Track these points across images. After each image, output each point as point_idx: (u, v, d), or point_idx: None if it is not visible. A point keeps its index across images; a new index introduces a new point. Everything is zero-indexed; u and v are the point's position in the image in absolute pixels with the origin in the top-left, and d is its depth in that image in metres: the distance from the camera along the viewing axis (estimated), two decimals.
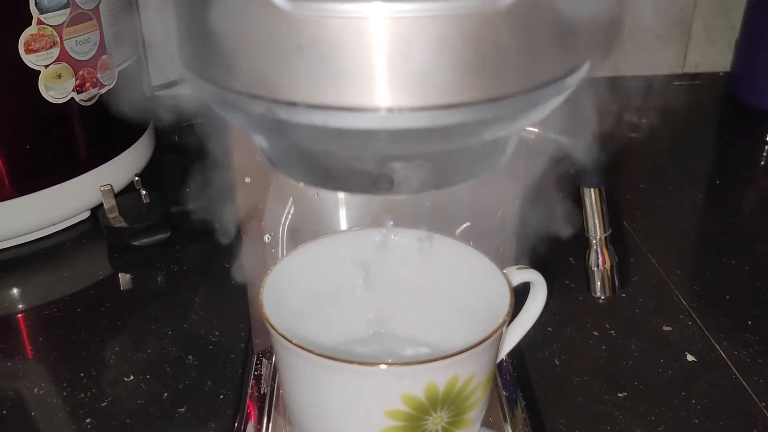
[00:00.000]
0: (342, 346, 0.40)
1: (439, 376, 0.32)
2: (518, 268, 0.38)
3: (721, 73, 0.97)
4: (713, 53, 0.96)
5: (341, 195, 0.43)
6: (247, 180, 0.41)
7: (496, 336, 0.33)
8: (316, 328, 0.40)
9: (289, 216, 0.44)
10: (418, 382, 0.32)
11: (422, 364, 0.31)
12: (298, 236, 0.43)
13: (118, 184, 0.65)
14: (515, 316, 0.40)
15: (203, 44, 0.26)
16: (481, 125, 0.25)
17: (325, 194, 0.42)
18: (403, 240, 0.41)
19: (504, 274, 0.37)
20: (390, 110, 0.24)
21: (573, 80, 0.27)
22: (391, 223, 0.40)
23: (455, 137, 0.26)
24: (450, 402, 0.33)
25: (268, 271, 0.37)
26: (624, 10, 0.93)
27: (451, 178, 0.29)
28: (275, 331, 0.33)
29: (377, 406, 0.33)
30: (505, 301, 0.35)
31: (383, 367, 0.32)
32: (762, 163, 0.79)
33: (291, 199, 0.43)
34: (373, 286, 0.42)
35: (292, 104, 0.24)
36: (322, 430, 0.35)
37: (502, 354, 0.40)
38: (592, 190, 0.37)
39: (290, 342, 0.32)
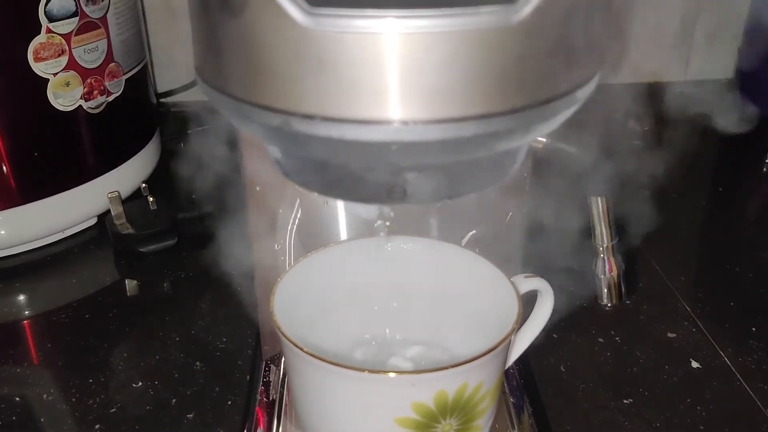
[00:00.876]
0: (352, 353, 0.40)
1: (448, 384, 0.32)
2: (525, 276, 0.38)
3: (723, 81, 0.98)
4: (715, 61, 0.97)
5: (351, 203, 0.43)
6: (258, 188, 0.41)
7: (505, 344, 0.34)
8: (326, 335, 0.40)
9: (296, 223, 0.44)
10: (427, 390, 0.32)
11: (432, 372, 0.32)
12: (306, 243, 0.44)
13: (125, 190, 0.66)
14: (523, 324, 0.40)
15: (221, 57, 0.26)
16: (493, 138, 0.26)
17: (334, 202, 0.43)
18: (411, 248, 0.41)
19: (512, 282, 0.37)
20: (404, 123, 0.24)
21: (584, 93, 0.28)
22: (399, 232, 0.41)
23: (467, 149, 0.26)
24: (459, 410, 0.33)
25: (279, 279, 0.38)
26: (628, 18, 0.93)
27: (463, 188, 0.29)
28: (286, 338, 0.33)
29: (387, 413, 0.33)
30: (513, 309, 0.36)
31: (393, 375, 0.32)
32: (765, 169, 0.79)
33: (298, 205, 0.43)
34: (381, 293, 0.42)
35: (309, 117, 0.25)
36: None
37: (510, 361, 0.40)
38: (599, 198, 0.37)
39: (301, 350, 0.33)
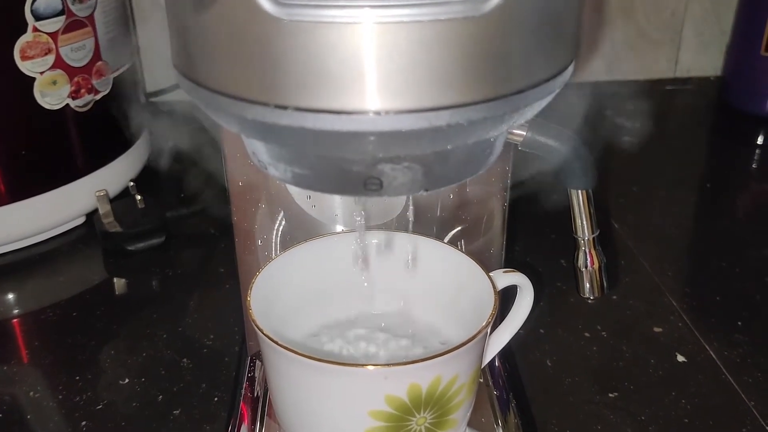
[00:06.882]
0: (330, 347, 0.40)
1: (421, 377, 0.32)
2: (504, 271, 0.38)
3: (712, 78, 0.98)
4: (704, 58, 0.97)
5: (332, 197, 0.43)
6: (240, 184, 0.41)
7: (480, 338, 0.33)
8: (303, 329, 0.41)
9: (282, 220, 0.44)
10: (401, 383, 0.32)
11: (405, 365, 0.32)
12: (290, 239, 0.44)
13: (113, 189, 0.66)
14: (503, 319, 0.40)
15: (194, 48, 0.26)
16: (468, 127, 0.26)
17: (317, 197, 0.43)
18: (391, 242, 0.41)
19: (489, 277, 0.37)
20: (378, 113, 0.25)
21: (558, 83, 0.28)
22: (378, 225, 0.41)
23: (442, 139, 0.26)
24: (433, 403, 0.33)
25: (257, 274, 0.38)
26: (616, 14, 0.94)
27: (440, 180, 0.29)
28: (262, 333, 0.33)
29: (361, 406, 0.33)
30: (490, 303, 0.36)
31: (366, 368, 0.32)
32: (753, 166, 0.79)
33: (282, 204, 0.43)
34: (361, 288, 0.42)
35: (282, 107, 0.25)
36: (307, 431, 0.36)
37: (489, 356, 0.40)
38: (579, 191, 0.37)
39: (276, 343, 0.33)
